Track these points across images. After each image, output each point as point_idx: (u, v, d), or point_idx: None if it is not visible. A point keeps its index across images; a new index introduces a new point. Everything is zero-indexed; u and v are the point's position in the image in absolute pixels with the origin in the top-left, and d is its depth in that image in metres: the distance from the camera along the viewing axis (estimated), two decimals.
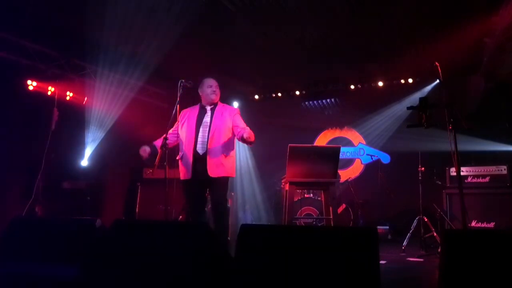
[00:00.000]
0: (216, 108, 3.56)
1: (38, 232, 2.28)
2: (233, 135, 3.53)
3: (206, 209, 3.70)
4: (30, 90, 5.79)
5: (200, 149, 3.37)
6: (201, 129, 3.43)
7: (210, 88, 3.56)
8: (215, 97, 3.56)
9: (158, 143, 3.48)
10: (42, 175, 5.11)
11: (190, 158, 3.34)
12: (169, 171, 3.19)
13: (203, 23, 5.24)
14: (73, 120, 6.08)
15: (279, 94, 8.35)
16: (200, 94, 3.62)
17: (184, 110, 3.61)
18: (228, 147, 3.45)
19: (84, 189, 6.07)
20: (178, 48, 6.01)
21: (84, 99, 6.44)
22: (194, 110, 3.59)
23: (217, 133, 3.40)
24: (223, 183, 3.43)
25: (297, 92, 8.19)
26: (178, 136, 3.58)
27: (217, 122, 3.45)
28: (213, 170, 3.32)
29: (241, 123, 3.52)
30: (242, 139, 3.35)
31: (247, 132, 3.26)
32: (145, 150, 3.43)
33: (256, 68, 6.85)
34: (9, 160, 5.36)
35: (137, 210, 6.20)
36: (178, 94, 3.21)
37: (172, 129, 3.59)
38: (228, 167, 3.43)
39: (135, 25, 5.27)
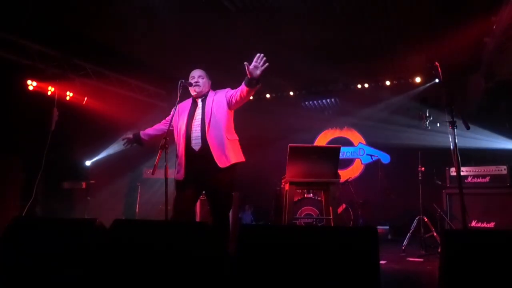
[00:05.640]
0: (207, 98, 3.30)
1: (38, 232, 2.28)
2: (232, 116, 3.31)
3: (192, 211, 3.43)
4: (30, 90, 5.80)
5: (195, 145, 3.15)
6: (193, 123, 3.21)
7: (192, 79, 3.30)
8: (196, 89, 3.28)
9: (146, 132, 3.48)
10: (42, 175, 5.11)
11: (183, 157, 3.16)
12: (169, 171, 3.16)
13: (203, 23, 5.24)
14: (73, 120, 6.08)
15: (279, 94, 8.36)
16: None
17: (176, 105, 3.34)
18: (230, 130, 3.25)
19: (84, 189, 6.08)
20: (178, 48, 6.02)
21: (84, 99, 6.44)
22: (186, 105, 3.34)
23: (215, 120, 3.18)
24: (229, 173, 3.15)
25: (297, 92, 8.19)
26: (172, 129, 3.35)
27: (211, 109, 3.21)
28: (221, 159, 3.09)
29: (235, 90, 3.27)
30: (249, 83, 3.01)
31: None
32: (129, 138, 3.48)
33: None
34: (9, 160, 5.36)
35: (137, 210, 6.20)
36: (178, 94, 3.16)
37: (164, 121, 3.48)
38: (236, 152, 3.21)
39: (135, 25, 5.27)
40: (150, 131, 3.52)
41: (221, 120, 3.21)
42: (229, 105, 3.25)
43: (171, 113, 3.33)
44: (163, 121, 3.53)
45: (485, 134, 6.33)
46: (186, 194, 3.15)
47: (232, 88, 3.34)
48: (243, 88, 3.10)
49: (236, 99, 3.19)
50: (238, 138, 3.33)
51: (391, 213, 6.83)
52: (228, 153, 3.15)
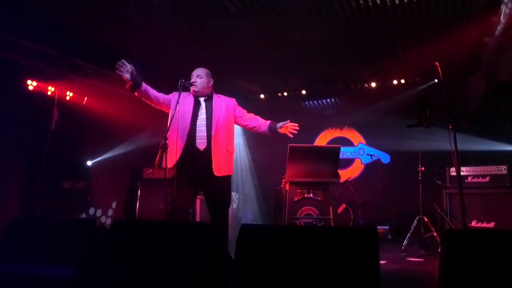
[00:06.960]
0: (213, 100, 3.31)
1: (38, 232, 2.28)
2: (234, 129, 3.42)
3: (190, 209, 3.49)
4: (30, 90, 5.79)
5: (201, 144, 3.16)
6: (198, 122, 3.21)
7: (191, 78, 3.31)
8: (193, 88, 3.28)
9: (147, 87, 3.28)
10: (42, 175, 5.10)
11: (180, 152, 3.14)
12: (169, 171, 3.15)
13: (203, 23, 5.24)
14: (73, 120, 6.08)
15: (279, 94, 8.35)
16: None
17: (176, 93, 3.30)
18: (231, 142, 3.31)
19: (84, 189, 6.07)
20: (178, 48, 6.02)
21: (84, 99, 6.44)
22: (188, 100, 3.31)
23: (221, 128, 3.22)
24: (226, 182, 3.26)
25: (297, 92, 8.19)
26: (165, 102, 3.36)
27: (219, 115, 3.25)
28: (218, 168, 3.14)
29: (246, 113, 3.45)
30: (271, 131, 3.41)
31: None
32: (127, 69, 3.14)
33: (256, 68, 6.85)
34: (9, 160, 5.36)
35: (137, 210, 6.20)
36: (179, 94, 3.18)
37: (163, 95, 3.37)
38: (230, 164, 3.27)
39: (135, 25, 5.27)
40: (150, 90, 3.31)
41: (226, 130, 3.28)
42: (235, 121, 3.44)
43: (173, 113, 3.16)
44: (162, 94, 3.41)
45: (485, 134, 6.33)
46: (184, 192, 3.13)
47: (237, 100, 3.50)
48: (263, 127, 3.44)
49: (245, 126, 3.48)
50: (234, 151, 3.42)
51: (391, 213, 6.83)
52: (225, 164, 3.22)
